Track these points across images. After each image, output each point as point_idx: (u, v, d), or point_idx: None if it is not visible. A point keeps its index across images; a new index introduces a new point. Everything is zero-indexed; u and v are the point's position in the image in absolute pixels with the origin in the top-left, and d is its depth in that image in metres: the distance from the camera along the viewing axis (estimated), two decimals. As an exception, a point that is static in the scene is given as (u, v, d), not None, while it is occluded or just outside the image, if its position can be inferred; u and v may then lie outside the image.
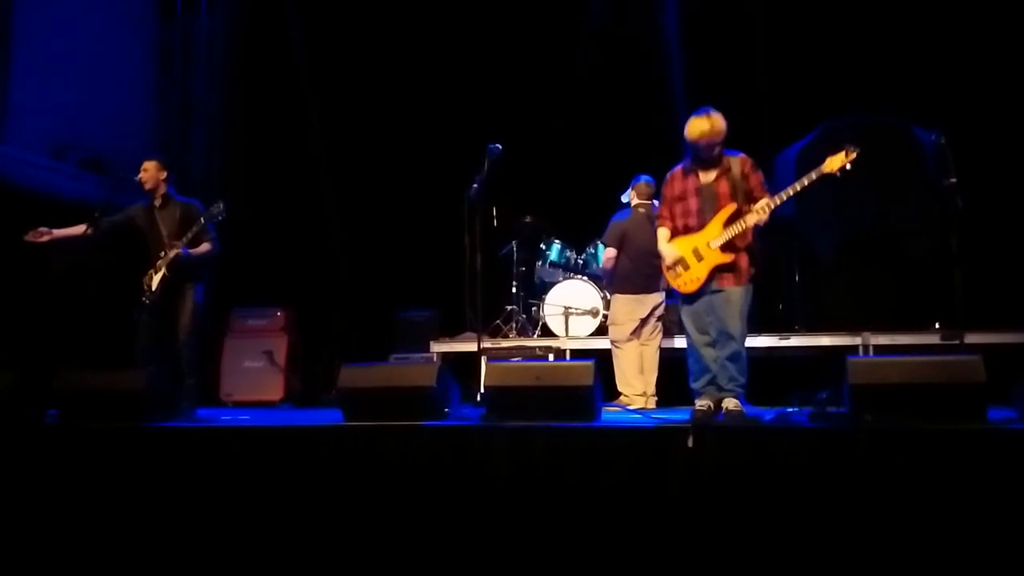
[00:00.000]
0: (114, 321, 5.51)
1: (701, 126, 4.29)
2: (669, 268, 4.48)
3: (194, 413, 5.22)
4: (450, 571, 3.64)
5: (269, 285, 7.75)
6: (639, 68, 7.78)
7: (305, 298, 7.82)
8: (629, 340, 5.76)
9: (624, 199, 6.08)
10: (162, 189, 5.47)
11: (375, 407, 4.20)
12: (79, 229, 5.38)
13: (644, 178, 5.94)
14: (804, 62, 7.24)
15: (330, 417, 4.50)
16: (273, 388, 7.20)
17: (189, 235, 5.30)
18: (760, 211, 4.23)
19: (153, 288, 5.31)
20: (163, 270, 5.31)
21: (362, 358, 5.07)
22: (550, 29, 7.93)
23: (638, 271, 5.76)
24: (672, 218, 4.54)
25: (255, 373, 7.25)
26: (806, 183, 4.21)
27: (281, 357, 7.27)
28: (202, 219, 5.33)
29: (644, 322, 5.77)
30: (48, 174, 7.12)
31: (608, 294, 6.38)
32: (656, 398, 5.73)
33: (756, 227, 4.32)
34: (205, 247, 5.40)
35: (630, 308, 5.78)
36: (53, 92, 7.24)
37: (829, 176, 4.20)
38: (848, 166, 4.17)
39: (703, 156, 4.38)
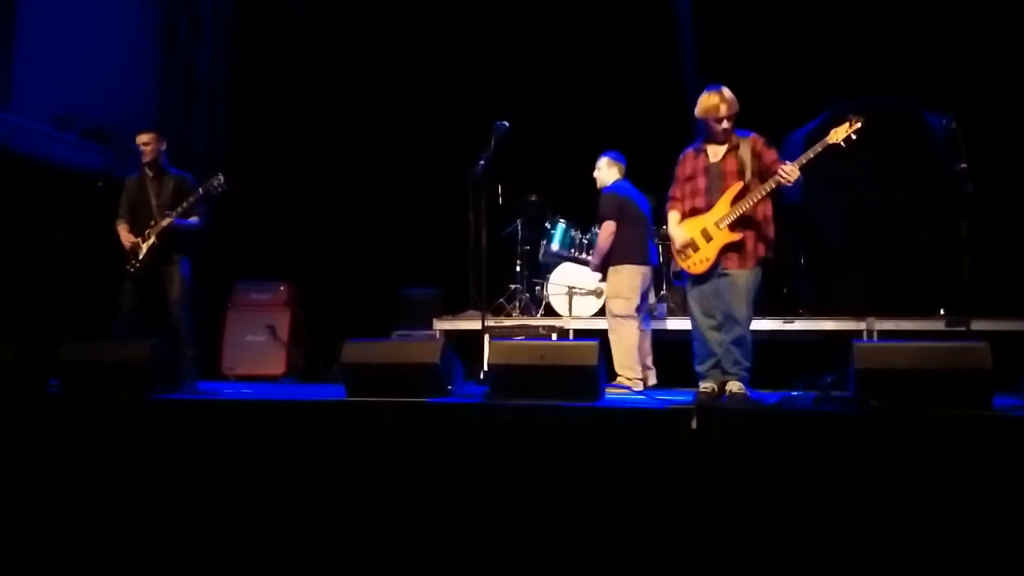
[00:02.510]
0: (116, 292, 5.48)
1: (710, 102, 4.30)
2: (679, 251, 4.46)
3: (196, 386, 5.22)
4: (452, 548, 3.64)
5: (272, 259, 7.72)
6: (648, 47, 7.70)
7: (308, 273, 7.79)
8: (633, 317, 5.56)
9: (605, 176, 5.92)
10: (159, 160, 5.47)
11: (378, 383, 4.18)
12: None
13: (611, 153, 5.91)
14: (815, 43, 7.16)
15: (333, 392, 4.48)
16: (275, 363, 7.16)
17: (185, 205, 5.29)
18: (782, 175, 4.15)
19: (140, 257, 5.30)
20: (152, 239, 5.30)
21: (365, 334, 5.05)
22: (559, 5, 7.85)
23: (643, 239, 5.67)
24: (682, 199, 4.52)
25: (257, 347, 7.21)
26: (812, 156, 4.18)
27: (284, 332, 7.23)
28: (200, 191, 5.32)
29: (643, 299, 5.67)
30: (51, 143, 7.08)
31: (601, 272, 5.89)
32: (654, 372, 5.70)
33: (769, 212, 4.32)
34: (194, 219, 5.41)
35: (635, 281, 5.56)
36: (57, 63, 7.16)
37: (835, 147, 4.16)
38: (853, 135, 4.14)
39: (713, 134, 4.36)
